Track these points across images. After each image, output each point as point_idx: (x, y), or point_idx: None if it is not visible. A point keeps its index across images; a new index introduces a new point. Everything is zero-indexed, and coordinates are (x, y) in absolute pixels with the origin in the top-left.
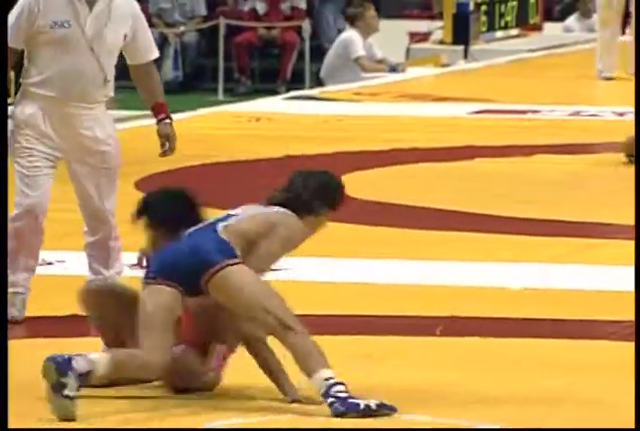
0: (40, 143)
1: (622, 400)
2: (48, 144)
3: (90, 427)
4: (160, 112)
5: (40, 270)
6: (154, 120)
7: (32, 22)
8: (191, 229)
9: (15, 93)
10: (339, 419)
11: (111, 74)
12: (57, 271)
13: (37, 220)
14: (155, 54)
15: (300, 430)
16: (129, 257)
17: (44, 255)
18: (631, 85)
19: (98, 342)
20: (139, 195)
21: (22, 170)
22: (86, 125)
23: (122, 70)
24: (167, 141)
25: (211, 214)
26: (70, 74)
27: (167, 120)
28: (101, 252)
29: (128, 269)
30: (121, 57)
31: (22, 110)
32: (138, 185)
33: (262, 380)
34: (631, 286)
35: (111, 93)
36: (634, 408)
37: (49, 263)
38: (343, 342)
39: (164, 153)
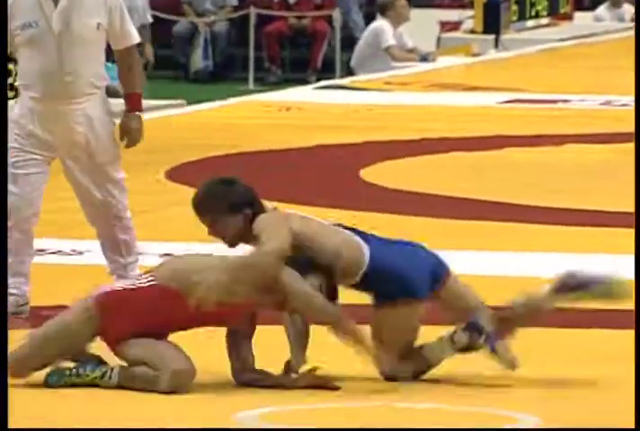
0: (28, 143)
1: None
2: (36, 143)
3: (89, 427)
4: (130, 103)
5: (70, 260)
6: (180, 110)
7: (10, 27)
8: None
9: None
10: (365, 410)
11: (91, 65)
12: (88, 260)
13: (26, 220)
14: (134, 40)
15: (308, 430)
16: (160, 246)
17: (75, 244)
18: None
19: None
20: (170, 184)
21: (11, 169)
22: (76, 120)
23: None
24: (126, 134)
25: None
26: (47, 74)
27: (136, 112)
28: (111, 243)
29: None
30: (153, 45)
31: (14, 111)
32: (169, 174)
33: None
34: None
35: (103, 83)
36: (634, 408)
37: (80, 253)
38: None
39: (126, 146)
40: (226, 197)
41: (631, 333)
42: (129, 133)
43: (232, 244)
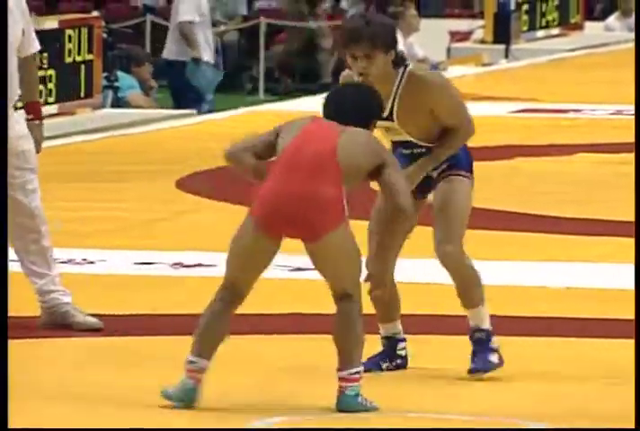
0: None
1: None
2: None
3: (89, 427)
4: (30, 112)
5: (81, 269)
6: (192, 119)
7: None
8: None
9: None
10: (375, 419)
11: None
12: (99, 270)
13: None
14: (36, 48)
15: (312, 430)
16: (171, 256)
17: (85, 254)
18: None
19: (110, 342)
20: (181, 194)
21: None
22: (10, 124)
23: (163, 69)
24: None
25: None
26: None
27: (36, 121)
28: (36, 254)
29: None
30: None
31: None
32: (180, 184)
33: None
34: None
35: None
36: (634, 408)
37: (91, 262)
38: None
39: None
40: (394, 35)
41: (628, 342)
42: (35, 142)
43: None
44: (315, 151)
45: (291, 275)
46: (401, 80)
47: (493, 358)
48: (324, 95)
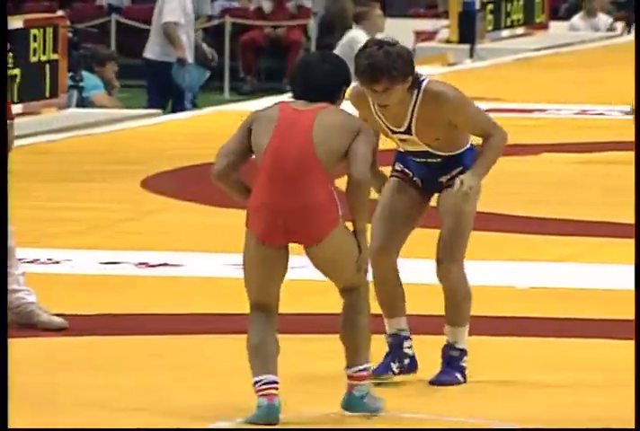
0: None
1: (626, 397)
2: None
3: (91, 427)
4: None
5: (47, 269)
6: (156, 119)
7: None
8: None
9: None
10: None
11: None
12: (64, 270)
13: None
14: None
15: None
16: (137, 255)
17: (51, 254)
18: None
19: (98, 341)
20: (146, 193)
21: None
22: None
23: (127, 69)
24: None
25: (214, 212)
26: None
27: (7, 121)
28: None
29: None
30: (128, 53)
31: None
32: (145, 184)
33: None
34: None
35: None
36: (634, 408)
37: (56, 262)
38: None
39: None
40: (411, 63)
41: (626, 343)
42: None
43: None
44: (294, 151)
45: None
46: (417, 97)
47: (460, 377)
48: (291, 72)
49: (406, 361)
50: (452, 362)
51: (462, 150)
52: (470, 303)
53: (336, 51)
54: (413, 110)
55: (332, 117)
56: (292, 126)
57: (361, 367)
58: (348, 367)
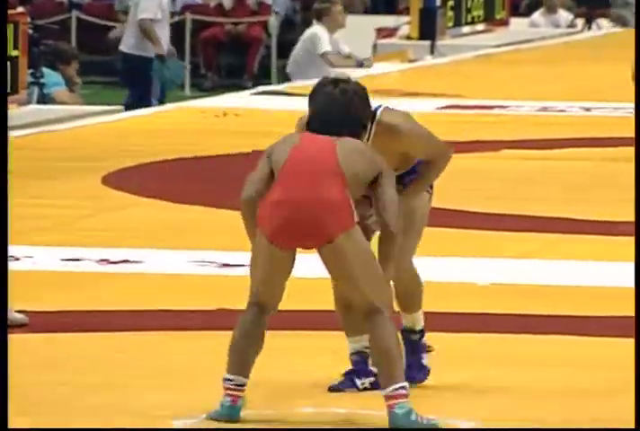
0: None
1: (584, 391)
2: None
3: (91, 427)
4: None
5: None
6: (118, 115)
7: None
8: None
9: None
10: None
11: None
12: (26, 267)
13: None
14: None
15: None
16: (97, 252)
17: (12, 250)
18: (597, 80)
19: (59, 338)
20: (107, 190)
21: None
22: None
23: (88, 66)
24: None
25: (176, 209)
26: None
27: None
28: None
29: None
30: (88, 50)
31: None
32: (106, 180)
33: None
34: (597, 281)
35: None
36: (634, 407)
37: (17, 259)
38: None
39: None
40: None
41: (587, 340)
42: None
43: None
44: (315, 160)
45: (219, 271)
46: (371, 129)
47: (425, 361)
48: (308, 110)
49: (371, 378)
50: (415, 345)
51: (414, 163)
52: (422, 292)
53: (297, 48)
54: (367, 141)
55: (355, 143)
56: (314, 142)
57: (398, 386)
58: (383, 388)
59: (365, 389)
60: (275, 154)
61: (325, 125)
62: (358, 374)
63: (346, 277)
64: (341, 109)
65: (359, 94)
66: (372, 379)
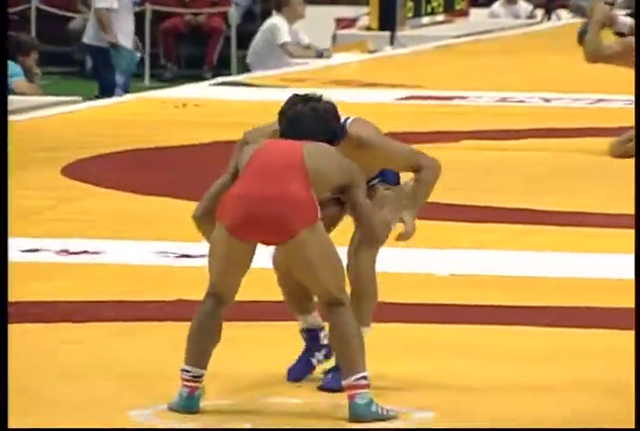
0: None
1: (540, 383)
2: None
3: (91, 427)
4: None
5: None
6: (77, 106)
7: None
8: None
9: None
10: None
11: None
12: None
13: None
14: None
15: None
16: (57, 243)
17: None
18: (557, 71)
19: (16, 328)
20: (66, 181)
21: None
22: None
23: (48, 56)
24: None
25: (135, 200)
26: None
27: None
28: None
29: None
30: (48, 40)
31: None
32: (65, 171)
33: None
34: (556, 272)
35: None
36: (634, 407)
37: None
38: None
39: None
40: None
41: (545, 331)
42: None
43: None
44: (281, 158)
45: (180, 262)
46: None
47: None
48: (279, 122)
49: (324, 351)
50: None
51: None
52: (374, 301)
53: (256, 38)
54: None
55: (324, 146)
56: (281, 143)
57: (359, 376)
58: (344, 378)
59: (319, 362)
60: (241, 158)
61: (297, 133)
62: (311, 352)
63: (307, 271)
64: (312, 122)
65: (330, 112)
66: (325, 351)
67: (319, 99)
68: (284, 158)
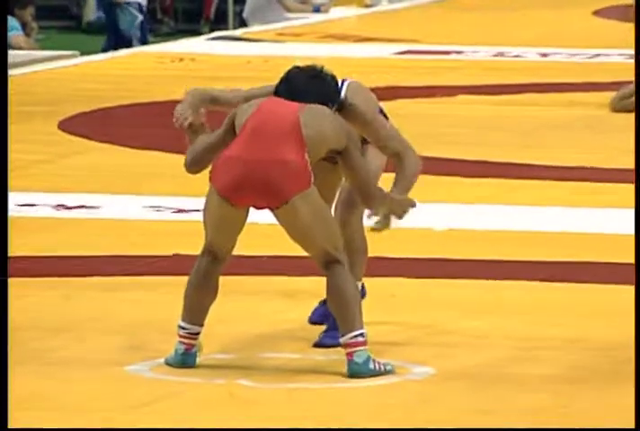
0: None
1: (536, 338)
2: None
3: (91, 427)
4: None
5: None
6: (73, 61)
7: None
8: None
9: None
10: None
11: None
12: None
13: None
14: None
15: None
16: (54, 197)
17: None
18: (554, 26)
19: (13, 283)
20: (63, 135)
21: None
22: None
23: (44, 10)
24: None
25: (132, 154)
26: None
27: None
28: None
29: None
30: None
31: None
32: (62, 125)
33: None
34: (554, 227)
35: None
36: (634, 407)
37: None
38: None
39: None
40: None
41: (542, 285)
42: None
43: None
44: (277, 121)
45: (174, 216)
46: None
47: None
48: (276, 87)
49: None
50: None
51: None
52: (365, 256)
53: None
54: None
55: (321, 108)
56: (278, 103)
57: (357, 333)
58: (342, 336)
59: None
60: (238, 117)
61: (294, 94)
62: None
63: (302, 235)
64: (308, 84)
65: (328, 76)
66: None
67: (319, 68)
68: (280, 122)
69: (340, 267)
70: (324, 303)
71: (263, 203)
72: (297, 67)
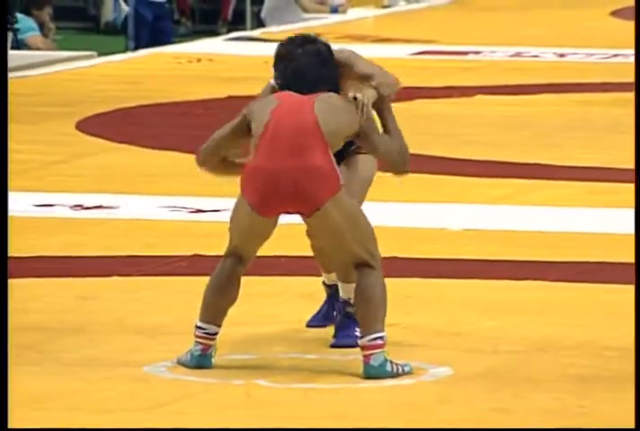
0: None
1: (553, 338)
2: None
3: (108, 427)
4: None
5: None
6: (91, 62)
7: None
8: None
9: None
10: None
11: None
12: None
13: None
14: None
15: None
16: (72, 197)
17: None
18: (572, 26)
19: (31, 283)
20: (81, 136)
21: None
22: None
23: (61, 10)
24: None
25: (150, 155)
26: None
27: None
28: None
29: None
30: None
31: None
32: (80, 126)
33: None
34: (571, 227)
35: None
36: (634, 407)
37: None
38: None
39: None
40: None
41: (557, 285)
42: None
43: None
44: (296, 123)
45: (191, 217)
46: None
47: (357, 332)
48: (278, 71)
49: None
50: (350, 317)
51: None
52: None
53: None
54: None
55: (332, 99)
56: (293, 103)
57: (376, 336)
58: (361, 337)
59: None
60: (256, 115)
61: (302, 83)
62: (332, 301)
63: (335, 240)
64: (315, 69)
65: (330, 56)
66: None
67: (314, 40)
68: (298, 123)
69: (371, 269)
70: (324, 304)
71: (294, 210)
72: (298, 46)
